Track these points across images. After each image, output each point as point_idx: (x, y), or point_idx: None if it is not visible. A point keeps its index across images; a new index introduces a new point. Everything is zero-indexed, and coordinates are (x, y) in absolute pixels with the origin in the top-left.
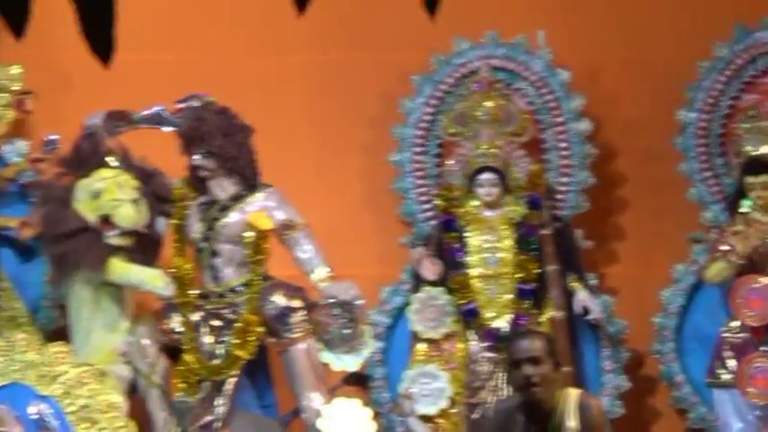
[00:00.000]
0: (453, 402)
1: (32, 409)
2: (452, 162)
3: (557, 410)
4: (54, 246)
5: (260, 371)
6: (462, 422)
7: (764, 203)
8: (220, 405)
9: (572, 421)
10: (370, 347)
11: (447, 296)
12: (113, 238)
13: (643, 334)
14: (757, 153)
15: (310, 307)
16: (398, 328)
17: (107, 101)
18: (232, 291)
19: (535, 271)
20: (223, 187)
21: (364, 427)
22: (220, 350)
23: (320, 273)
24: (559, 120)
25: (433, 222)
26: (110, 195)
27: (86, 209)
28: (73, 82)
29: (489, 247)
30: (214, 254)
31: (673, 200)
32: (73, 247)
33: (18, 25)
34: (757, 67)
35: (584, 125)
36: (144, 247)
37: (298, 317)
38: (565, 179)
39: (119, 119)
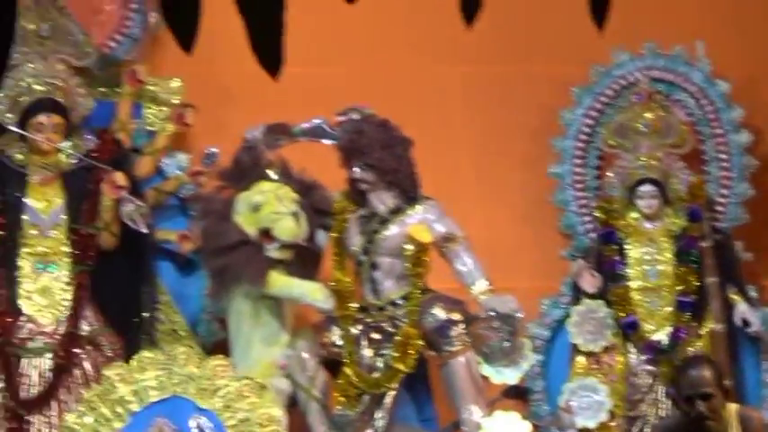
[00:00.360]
0: (613, 415)
1: (192, 423)
2: (612, 174)
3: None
4: (214, 259)
5: (419, 384)
6: None
7: None
8: (380, 418)
9: None
10: (529, 360)
11: (607, 309)
12: (273, 252)
13: None
14: None
15: (470, 320)
16: (558, 340)
17: (267, 114)
18: (392, 304)
19: (695, 283)
20: (383, 200)
21: None
22: (380, 363)
23: (480, 286)
24: (719, 131)
25: (593, 235)
26: (270, 208)
27: (246, 222)
28: (233, 95)
29: (649, 260)
30: (374, 267)
31: None
32: (233, 260)
33: (187, 39)
34: None
35: (744, 137)
36: (304, 261)
37: (457, 330)
38: (724, 191)
39: (279, 132)
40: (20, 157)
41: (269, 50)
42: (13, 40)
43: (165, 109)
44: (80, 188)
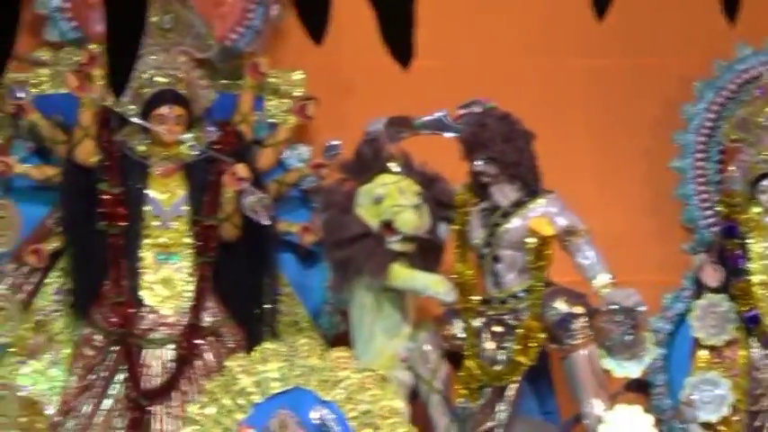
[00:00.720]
0: (735, 410)
1: (314, 414)
2: (734, 168)
3: None
4: (336, 251)
5: (541, 377)
6: (744, 430)
7: None
8: (502, 411)
9: None
10: (651, 354)
11: (729, 303)
12: (395, 244)
13: None
14: None
15: (592, 313)
16: (679, 334)
17: (388, 107)
18: (514, 297)
19: None
20: (504, 193)
21: None
22: (502, 356)
23: (602, 279)
24: None
25: (715, 229)
26: (391, 201)
27: (368, 214)
28: (355, 88)
29: None
30: (496, 260)
31: None
32: (355, 252)
33: (318, 31)
34: None
35: None
36: (425, 253)
37: (580, 323)
38: None
39: (400, 125)
40: (142, 148)
41: (400, 42)
42: (145, 30)
43: (286, 101)
44: (202, 180)
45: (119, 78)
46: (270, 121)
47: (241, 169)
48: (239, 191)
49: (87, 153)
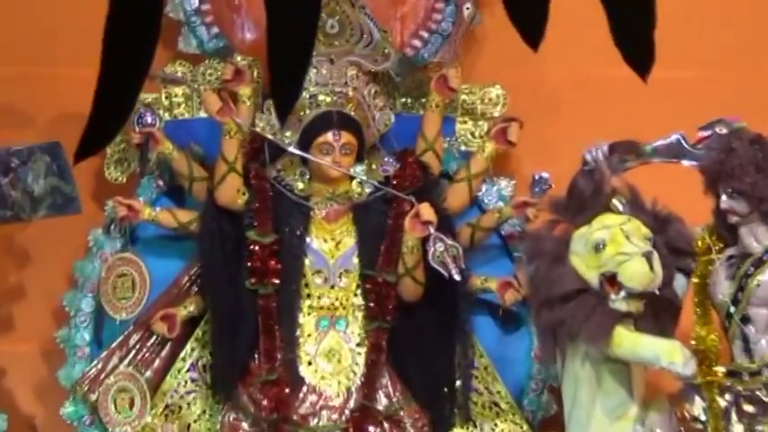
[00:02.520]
0: None
1: None
2: None
3: None
4: (545, 313)
5: None
6: None
7: None
8: None
9: None
10: None
11: None
12: (619, 302)
13: None
14: None
15: None
16: None
17: (609, 129)
18: None
19: None
20: (757, 236)
21: None
22: None
23: None
24: None
25: None
26: (615, 248)
27: (586, 265)
28: (567, 106)
29: None
30: (746, 320)
31: None
32: (568, 313)
33: (534, 34)
34: None
35: None
36: (657, 313)
37: None
38: None
39: (626, 151)
40: (300, 186)
41: (638, 46)
42: (316, 33)
43: (483, 124)
44: (376, 224)
45: (286, 97)
46: (462, 149)
47: (426, 210)
48: (424, 238)
49: (232, 193)
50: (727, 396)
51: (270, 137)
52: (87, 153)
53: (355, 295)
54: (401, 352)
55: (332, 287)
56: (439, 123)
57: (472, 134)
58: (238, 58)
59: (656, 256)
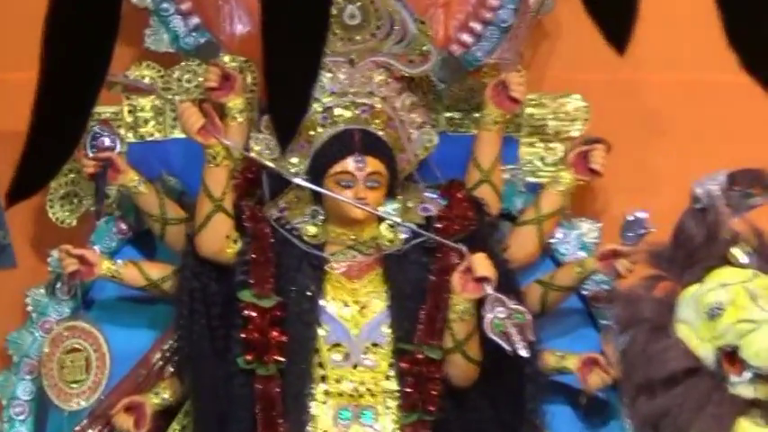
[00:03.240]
0: None
1: None
2: None
3: None
4: (643, 401)
5: None
6: None
7: None
8: None
9: None
10: None
11: None
12: (743, 386)
13: None
14: None
15: None
16: None
17: (723, 153)
18: None
19: None
20: None
21: None
22: None
23: None
24: None
25: None
26: (737, 313)
27: (697, 336)
28: (661, 123)
29: None
30: None
31: None
32: (675, 402)
33: (620, 33)
34: None
35: None
36: None
37: None
38: None
39: (750, 183)
40: (312, 230)
41: (758, 47)
42: (328, 30)
43: (557, 146)
44: (414, 282)
45: (288, 113)
46: (529, 180)
47: (481, 264)
48: (478, 300)
49: (220, 240)
50: None
51: (270, 164)
52: (24, 192)
53: (387, 378)
54: None
55: (355, 367)
56: (498, 146)
57: (542, 160)
58: (226, 59)
59: None
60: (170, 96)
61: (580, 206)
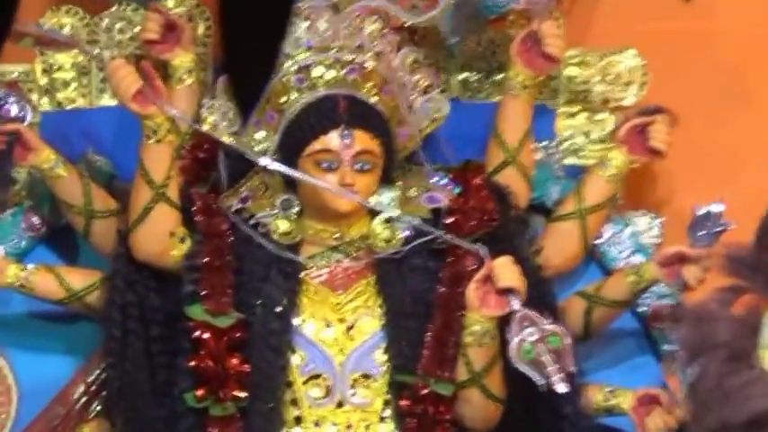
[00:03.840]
0: None
1: None
2: None
3: None
4: None
5: None
6: None
7: None
8: None
9: None
10: None
11: None
12: None
13: None
14: None
15: None
16: None
17: None
18: None
19: None
20: None
21: None
22: None
23: None
24: None
25: None
26: None
27: None
28: (738, 91)
29: None
30: None
31: None
32: None
33: None
34: None
35: None
36: None
37: None
38: None
39: None
40: (283, 227)
41: None
42: None
43: (605, 118)
44: (416, 295)
45: (252, 75)
46: (569, 162)
47: (505, 271)
48: (502, 318)
49: (161, 238)
50: None
51: (228, 140)
52: None
53: (382, 420)
54: None
55: (340, 405)
56: (528, 118)
57: (586, 136)
58: (170, 3)
59: None
60: (97, 51)
61: (636, 196)
